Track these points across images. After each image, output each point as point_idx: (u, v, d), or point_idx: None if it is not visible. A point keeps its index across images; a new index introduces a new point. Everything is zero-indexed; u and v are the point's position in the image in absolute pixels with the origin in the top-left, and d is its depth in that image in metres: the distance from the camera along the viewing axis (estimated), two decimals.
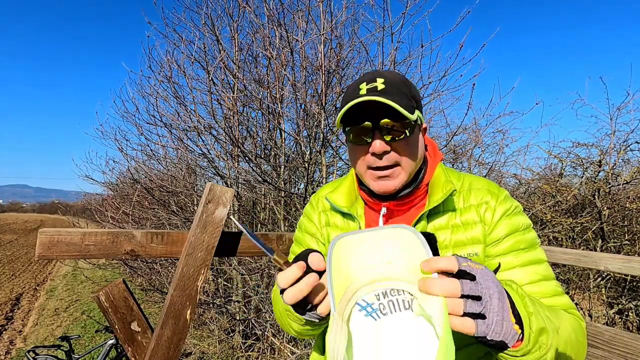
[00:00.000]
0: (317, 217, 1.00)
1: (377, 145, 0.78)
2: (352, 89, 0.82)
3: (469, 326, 0.54)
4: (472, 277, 0.55)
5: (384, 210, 0.88)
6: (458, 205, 0.85)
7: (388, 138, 0.79)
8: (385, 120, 0.78)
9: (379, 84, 0.79)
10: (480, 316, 0.54)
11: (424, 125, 0.89)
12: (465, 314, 0.54)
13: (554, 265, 4.10)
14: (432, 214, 0.85)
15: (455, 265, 0.55)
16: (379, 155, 0.80)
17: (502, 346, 0.56)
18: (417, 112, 0.81)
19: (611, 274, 3.99)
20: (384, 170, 0.82)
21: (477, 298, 0.54)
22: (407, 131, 0.80)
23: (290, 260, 0.68)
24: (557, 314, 0.69)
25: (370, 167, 0.83)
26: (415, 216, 0.85)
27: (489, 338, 0.54)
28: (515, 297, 0.59)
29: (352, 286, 0.62)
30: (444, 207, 0.84)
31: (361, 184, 0.92)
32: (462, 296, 0.54)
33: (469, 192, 0.87)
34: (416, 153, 0.84)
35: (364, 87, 0.79)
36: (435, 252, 0.61)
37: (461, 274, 0.56)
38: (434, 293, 0.55)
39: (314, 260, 0.64)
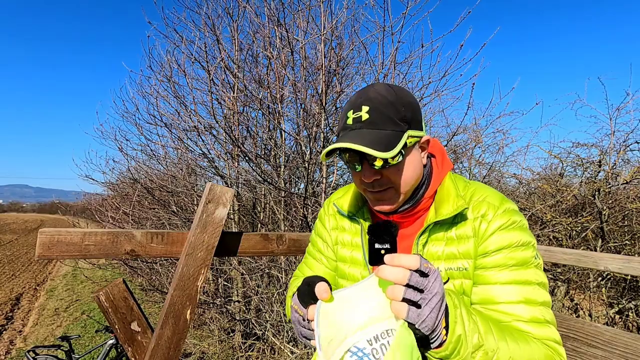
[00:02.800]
0: (327, 221, 1.04)
1: (366, 175, 0.80)
2: (343, 114, 0.83)
3: (401, 309, 0.60)
4: (425, 275, 0.61)
5: None
6: (456, 219, 0.84)
7: (378, 166, 0.78)
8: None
9: (364, 113, 0.78)
10: (416, 305, 0.60)
11: (425, 139, 0.85)
12: (404, 300, 0.60)
13: (554, 265, 4.10)
14: (436, 224, 0.84)
15: (416, 263, 0.60)
16: (370, 183, 0.81)
17: (427, 344, 0.63)
18: (406, 136, 0.78)
19: (611, 274, 3.99)
20: (378, 193, 0.83)
21: (421, 291, 0.60)
22: (396, 158, 0.78)
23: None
24: (511, 338, 0.69)
25: (366, 189, 0.85)
26: (420, 227, 0.87)
27: (417, 327, 0.59)
28: (450, 305, 0.63)
29: (341, 333, 0.67)
30: (443, 220, 0.84)
31: None
32: (407, 285, 0.60)
33: (468, 205, 0.85)
34: (410, 174, 0.82)
35: (350, 116, 0.80)
36: (394, 241, 0.66)
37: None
38: (384, 277, 0.61)
39: (319, 290, 0.70)
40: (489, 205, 0.84)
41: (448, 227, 0.84)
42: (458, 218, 0.84)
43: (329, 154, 0.81)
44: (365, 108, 0.78)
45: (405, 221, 0.89)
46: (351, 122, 0.79)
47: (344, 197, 1.00)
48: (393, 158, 0.77)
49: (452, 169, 0.93)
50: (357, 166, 0.81)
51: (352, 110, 0.80)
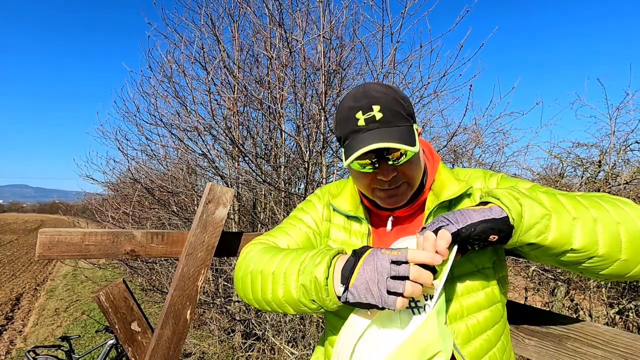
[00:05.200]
0: (321, 209, 1.03)
1: (385, 173, 0.79)
2: (346, 117, 0.80)
3: (443, 235, 0.65)
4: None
5: (391, 217, 0.91)
6: (452, 202, 0.87)
7: (394, 163, 0.79)
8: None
9: (376, 112, 0.77)
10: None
11: (419, 131, 0.88)
12: (436, 232, 0.67)
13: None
14: (439, 208, 0.86)
15: (448, 237, 0.66)
16: (387, 181, 0.81)
17: (506, 237, 0.68)
18: (415, 128, 0.81)
19: None
20: (391, 190, 0.83)
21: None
22: (418, 152, 0.81)
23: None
24: (584, 198, 0.72)
25: (377, 188, 0.84)
26: (421, 219, 0.89)
27: (458, 227, 0.66)
28: (497, 193, 0.70)
29: None
30: (442, 203, 0.86)
31: (363, 193, 0.93)
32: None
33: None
34: (420, 166, 0.84)
35: (360, 117, 0.77)
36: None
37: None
38: (430, 250, 0.67)
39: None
40: (477, 177, 0.91)
41: (448, 209, 0.87)
42: (455, 200, 0.87)
43: (341, 142, 0.83)
44: (376, 107, 0.77)
45: (405, 214, 0.90)
46: (364, 123, 0.77)
47: (340, 197, 0.98)
48: (416, 152, 0.80)
49: (441, 160, 0.95)
50: (372, 166, 0.79)
51: (360, 112, 0.78)
